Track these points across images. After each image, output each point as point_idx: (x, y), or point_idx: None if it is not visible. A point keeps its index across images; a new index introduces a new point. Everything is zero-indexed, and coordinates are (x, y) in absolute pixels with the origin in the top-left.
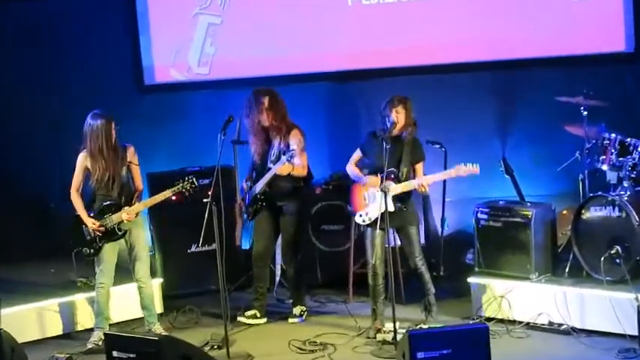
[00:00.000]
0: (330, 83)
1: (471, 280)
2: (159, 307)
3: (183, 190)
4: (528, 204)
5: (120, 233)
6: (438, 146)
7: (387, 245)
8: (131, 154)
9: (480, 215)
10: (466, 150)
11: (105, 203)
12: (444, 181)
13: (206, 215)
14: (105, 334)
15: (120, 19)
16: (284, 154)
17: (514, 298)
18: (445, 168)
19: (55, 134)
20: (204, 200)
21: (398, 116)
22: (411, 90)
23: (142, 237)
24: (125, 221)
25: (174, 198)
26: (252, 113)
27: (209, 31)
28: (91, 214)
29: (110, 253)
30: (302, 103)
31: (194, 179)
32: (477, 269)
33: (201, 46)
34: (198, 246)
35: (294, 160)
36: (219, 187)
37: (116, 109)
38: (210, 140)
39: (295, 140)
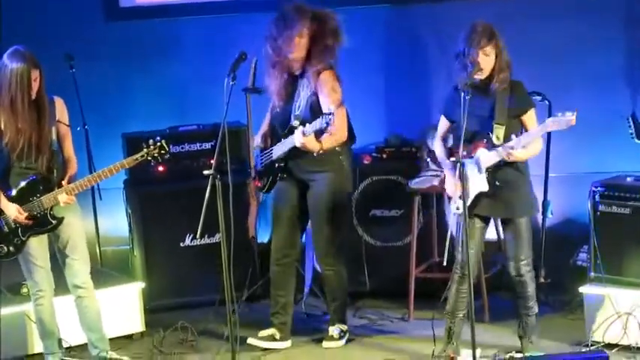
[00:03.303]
0: (387, 7)
1: (584, 290)
2: (138, 324)
3: (150, 159)
4: None
5: (54, 222)
6: (538, 98)
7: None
8: (60, 109)
9: (598, 198)
10: (578, 103)
11: (28, 179)
12: (547, 151)
13: (207, 194)
14: None
15: None
16: (303, 122)
17: None
18: None
19: None
20: (205, 173)
21: (487, 59)
22: (500, 17)
23: (79, 226)
24: (62, 204)
25: (161, 169)
26: (281, 37)
27: None
28: (10, 194)
29: (41, 249)
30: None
31: (163, 142)
32: (592, 275)
33: None
34: (195, 238)
35: (330, 129)
36: (225, 154)
37: (76, 43)
38: (212, 87)
39: (326, 88)
